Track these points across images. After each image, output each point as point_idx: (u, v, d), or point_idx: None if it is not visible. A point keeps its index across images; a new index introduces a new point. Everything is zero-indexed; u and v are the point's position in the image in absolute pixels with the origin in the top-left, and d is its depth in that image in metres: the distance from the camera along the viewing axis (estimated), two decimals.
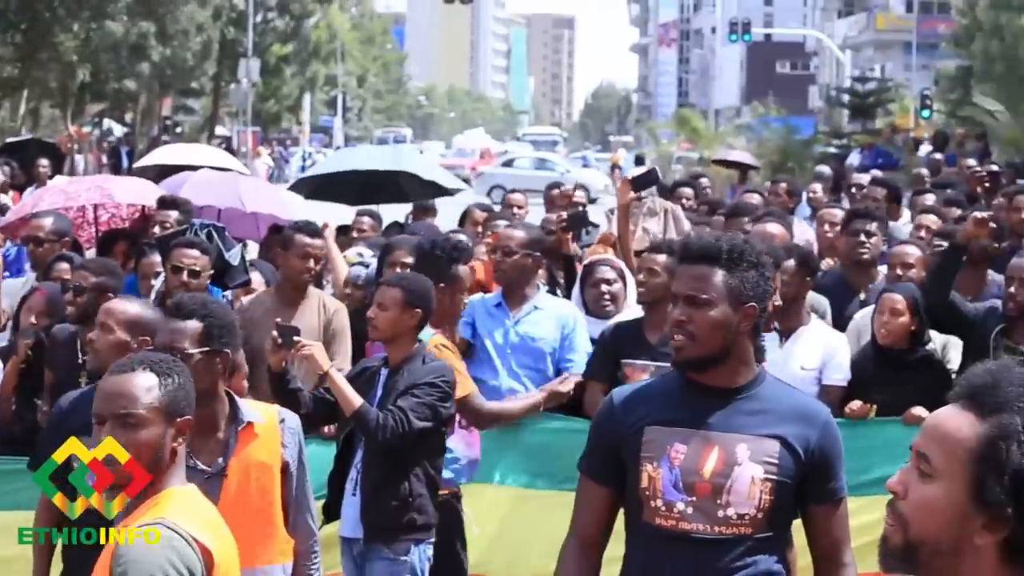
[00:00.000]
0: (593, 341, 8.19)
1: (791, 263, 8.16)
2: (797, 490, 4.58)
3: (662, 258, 7.84)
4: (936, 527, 2.74)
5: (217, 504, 4.59)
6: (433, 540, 6.97)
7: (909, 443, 2.84)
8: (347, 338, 8.67)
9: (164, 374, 4.18)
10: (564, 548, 4.78)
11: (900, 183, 16.32)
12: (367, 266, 9.52)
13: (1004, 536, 2.71)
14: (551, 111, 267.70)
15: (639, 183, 10.32)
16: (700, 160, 45.95)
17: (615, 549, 4.77)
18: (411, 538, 6.85)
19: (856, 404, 7.91)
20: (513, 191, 14.51)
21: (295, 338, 6.88)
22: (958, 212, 11.90)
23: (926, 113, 44.84)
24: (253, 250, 12.84)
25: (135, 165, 24.42)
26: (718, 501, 4.52)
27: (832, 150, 39.29)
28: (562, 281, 9.82)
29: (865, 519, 6.52)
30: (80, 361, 7.85)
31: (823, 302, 8.95)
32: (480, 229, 11.79)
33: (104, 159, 47.80)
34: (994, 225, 8.59)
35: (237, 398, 5.71)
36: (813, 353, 8.12)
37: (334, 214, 13.73)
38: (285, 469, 5.72)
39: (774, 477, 4.52)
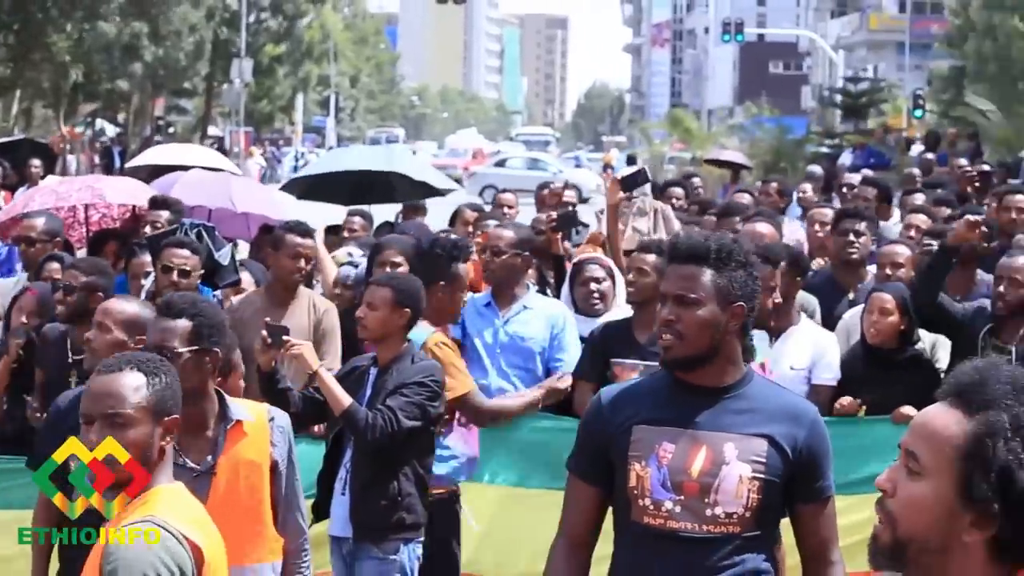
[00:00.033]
0: (582, 339, 8.20)
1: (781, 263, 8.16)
2: (785, 489, 4.58)
3: (651, 258, 7.85)
4: (924, 524, 2.75)
5: (206, 502, 4.59)
6: (422, 539, 6.97)
7: (898, 442, 2.84)
8: (337, 338, 8.67)
9: (152, 373, 4.19)
10: (553, 547, 4.78)
11: (891, 183, 16.34)
12: (356, 266, 9.52)
13: (992, 533, 2.72)
14: (544, 111, 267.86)
15: (628, 183, 10.33)
16: (693, 160, 45.94)
17: (603, 548, 4.78)
18: (400, 537, 6.85)
19: (846, 400, 7.92)
20: (505, 191, 14.51)
21: (284, 338, 6.88)
22: (947, 212, 11.92)
23: (919, 113, 44.85)
24: (244, 250, 12.84)
25: (127, 165, 24.41)
26: (706, 500, 4.53)
27: (824, 150, 39.35)
28: (552, 281, 9.83)
29: (855, 518, 6.54)
30: (70, 360, 7.86)
31: (812, 302, 8.96)
32: (470, 229, 11.78)
33: (97, 159, 47.73)
34: (985, 229, 8.60)
35: (227, 397, 5.71)
36: (803, 353, 8.13)
37: (326, 214, 13.74)
38: (274, 468, 5.71)
39: (762, 476, 4.53)
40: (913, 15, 72.62)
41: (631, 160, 44.66)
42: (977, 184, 14.22)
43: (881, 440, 7.45)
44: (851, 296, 9.34)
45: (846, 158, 30.15)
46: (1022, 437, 2.70)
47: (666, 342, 4.61)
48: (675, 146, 59.10)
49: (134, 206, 11.82)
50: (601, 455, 4.66)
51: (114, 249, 10.63)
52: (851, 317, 8.73)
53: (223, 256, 9.09)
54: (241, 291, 9.43)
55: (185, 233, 9.08)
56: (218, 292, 9.08)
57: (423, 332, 7.25)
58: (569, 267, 9.27)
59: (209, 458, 5.58)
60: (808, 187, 16.90)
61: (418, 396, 6.78)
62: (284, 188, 16.82)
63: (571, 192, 14.12)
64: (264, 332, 6.90)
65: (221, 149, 45.87)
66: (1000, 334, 8.09)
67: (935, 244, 9.09)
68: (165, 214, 10.56)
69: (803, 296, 8.75)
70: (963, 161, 20.82)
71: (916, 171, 21.20)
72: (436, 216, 14.70)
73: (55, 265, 9.35)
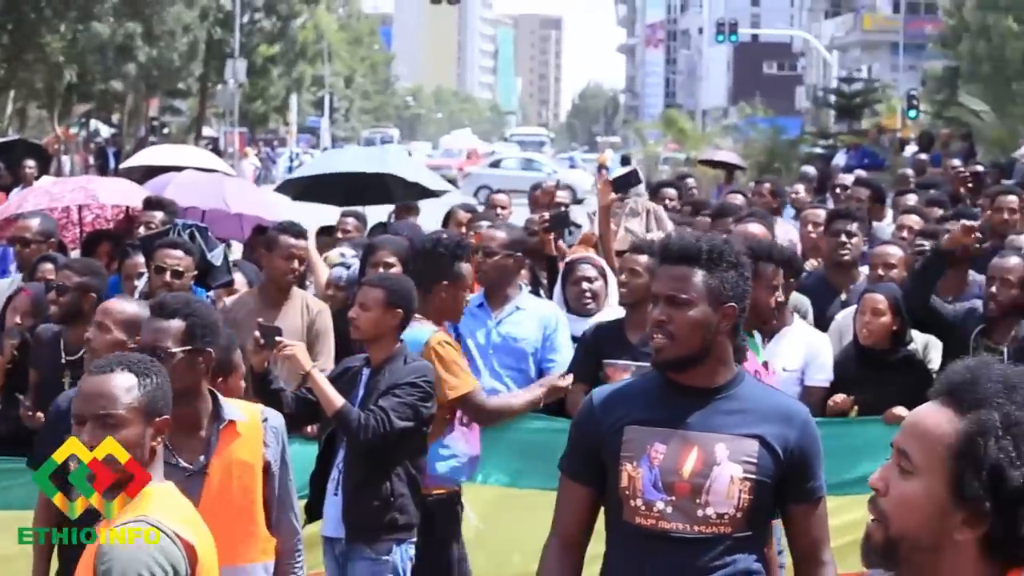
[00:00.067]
0: (574, 339, 8.21)
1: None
2: (776, 489, 4.59)
3: (643, 259, 7.84)
4: (916, 523, 2.75)
5: (198, 502, 4.61)
6: (415, 540, 6.97)
7: (890, 442, 2.85)
8: (330, 339, 8.68)
9: (143, 374, 4.21)
10: (546, 548, 4.79)
11: (885, 183, 16.35)
12: (348, 267, 9.52)
13: (983, 532, 2.72)
14: (538, 112, 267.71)
15: (620, 184, 10.34)
16: (687, 161, 45.97)
17: (595, 547, 4.78)
18: (393, 538, 6.86)
19: (839, 397, 7.92)
20: (499, 192, 14.52)
21: (277, 338, 6.89)
22: (940, 212, 11.93)
23: (912, 114, 44.91)
24: (237, 251, 12.84)
25: (122, 166, 24.40)
26: (697, 500, 4.53)
27: (818, 150, 39.31)
28: (545, 282, 9.84)
29: (847, 518, 6.55)
30: (63, 361, 7.87)
31: (805, 302, 8.95)
32: (463, 230, 11.78)
33: (91, 160, 47.77)
34: (979, 235, 8.61)
35: (220, 397, 5.71)
36: (796, 354, 8.12)
37: (320, 215, 13.74)
38: (267, 468, 5.71)
39: (753, 476, 4.54)
40: (907, 15, 72.77)
41: (625, 161, 44.69)
42: (970, 185, 14.22)
43: (873, 440, 7.44)
44: (843, 297, 9.34)
45: (840, 159, 30.14)
46: (1013, 435, 2.71)
47: (658, 343, 4.62)
48: (669, 146, 59.12)
49: (128, 207, 11.82)
50: (593, 456, 4.67)
51: (107, 250, 10.63)
52: (843, 318, 8.73)
53: (216, 257, 9.10)
54: (234, 292, 9.43)
55: (178, 234, 9.08)
56: (211, 293, 9.08)
57: (425, 331, 7.25)
58: (562, 267, 9.27)
59: (202, 458, 5.58)
60: (801, 188, 16.92)
61: (410, 397, 6.79)
62: (279, 189, 16.84)
63: (564, 192, 14.14)
64: (257, 333, 6.91)
65: (216, 150, 45.92)
66: (992, 335, 8.10)
67: (928, 245, 9.10)
68: (159, 215, 10.57)
69: (796, 297, 8.74)
70: (956, 162, 20.86)
71: (909, 171, 21.20)
72: (429, 217, 14.71)
73: (48, 265, 9.36)
